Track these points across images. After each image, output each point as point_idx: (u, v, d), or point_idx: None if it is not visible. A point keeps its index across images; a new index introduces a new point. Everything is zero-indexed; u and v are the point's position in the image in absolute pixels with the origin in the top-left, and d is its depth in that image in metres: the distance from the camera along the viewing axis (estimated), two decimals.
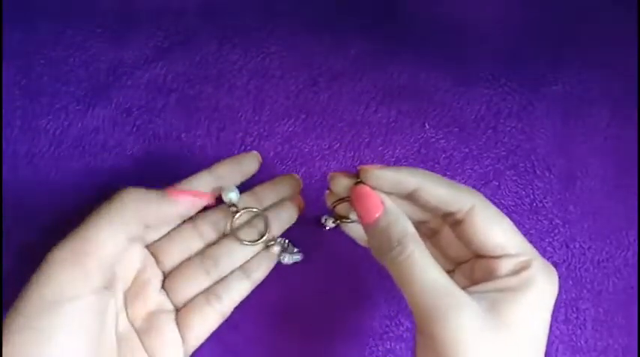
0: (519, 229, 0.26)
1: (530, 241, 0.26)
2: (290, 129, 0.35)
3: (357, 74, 0.37)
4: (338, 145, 0.36)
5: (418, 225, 0.27)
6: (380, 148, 0.36)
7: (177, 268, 0.28)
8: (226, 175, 0.29)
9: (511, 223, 0.26)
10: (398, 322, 0.34)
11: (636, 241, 0.36)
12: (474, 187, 0.36)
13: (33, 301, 0.23)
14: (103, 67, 0.35)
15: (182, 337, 0.27)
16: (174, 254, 0.28)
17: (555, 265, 0.35)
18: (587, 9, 0.40)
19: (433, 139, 0.36)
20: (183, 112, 0.35)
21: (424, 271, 0.24)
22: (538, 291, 0.24)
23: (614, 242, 0.36)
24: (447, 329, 0.22)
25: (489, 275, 0.25)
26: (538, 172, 0.37)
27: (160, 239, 0.28)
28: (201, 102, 0.35)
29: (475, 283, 0.25)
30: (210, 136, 0.35)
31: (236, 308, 0.28)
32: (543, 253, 0.35)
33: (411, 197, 0.26)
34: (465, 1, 0.39)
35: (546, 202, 0.36)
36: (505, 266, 0.25)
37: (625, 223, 0.36)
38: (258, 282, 0.29)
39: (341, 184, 0.27)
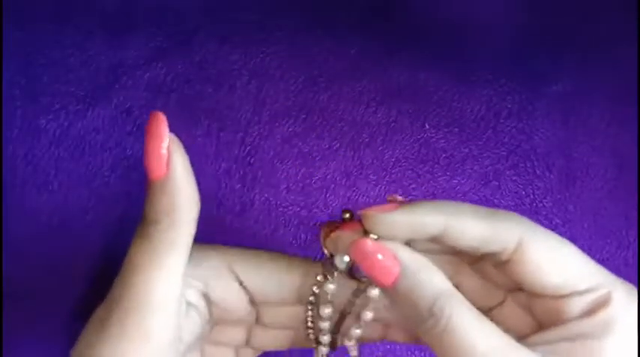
0: None
1: None
2: (290, 129, 0.35)
3: (357, 74, 0.37)
4: (338, 145, 0.36)
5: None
6: (380, 148, 0.36)
7: None
8: None
9: (574, 248, 0.20)
10: None
11: (636, 241, 0.36)
12: (473, 187, 0.36)
13: None
14: (103, 67, 0.35)
15: None
16: None
17: None
18: (587, 9, 0.40)
19: (433, 139, 0.36)
20: (183, 112, 0.35)
21: (469, 337, 0.18)
22: (622, 332, 0.18)
23: (614, 242, 0.36)
24: None
25: (555, 317, 0.20)
26: (538, 172, 0.37)
27: None
28: (201, 102, 0.35)
29: (537, 320, 0.21)
30: (210, 136, 0.35)
31: None
32: None
33: (435, 239, 0.20)
34: (465, 1, 0.39)
35: (546, 202, 0.36)
36: (576, 305, 0.19)
37: (625, 223, 0.36)
38: None
39: (344, 245, 0.21)
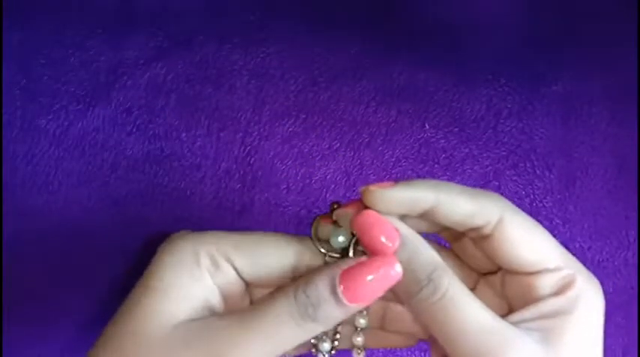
0: None
1: None
2: (290, 129, 0.35)
3: (357, 74, 0.37)
4: (338, 145, 0.36)
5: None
6: (380, 148, 0.36)
7: None
8: None
9: (546, 231, 0.23)
10: None
11: (636, 241, 0.36)
12: (473, 187, 0.36)
13: None
14: (103, 67, 0.35)
15: None
16: None
17: None
18: (587, 9, 0.40)
19: (433, 139, 0.36)
20: (183, 112, 0.35)
21: (465, 309, 0.20)
22: (588, 309, 0.21)
23: (614, 242, 0.36)
24: None
25: (528, 295, 0.22)
26: (538, 172, 0.37)
27: None
28: (201, 102, 0.35)
29: (508, 301, 0.23)
30: (210, 136, 0.35)
31: None
32: None
33: (425, 215, 0.22)
34: (464, 1, 0.39)
35: (546, 202, 0.36)
36: (546, 283, 0.21)
37: (625, 223, 0.36)
38: None
39: (345, 220, 0.22)
